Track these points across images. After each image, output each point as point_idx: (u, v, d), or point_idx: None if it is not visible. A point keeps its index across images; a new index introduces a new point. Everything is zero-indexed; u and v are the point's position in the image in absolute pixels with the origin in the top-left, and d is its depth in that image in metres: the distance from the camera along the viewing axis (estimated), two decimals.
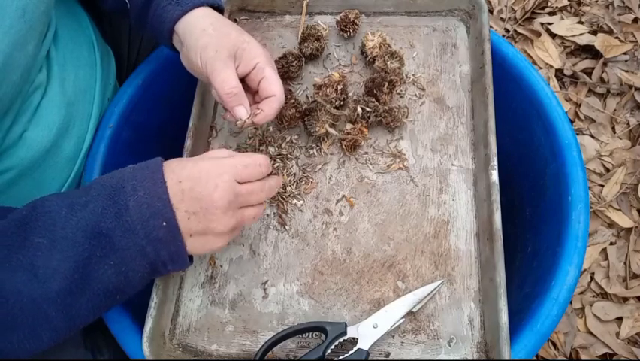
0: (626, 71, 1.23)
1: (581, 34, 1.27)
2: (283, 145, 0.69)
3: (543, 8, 1.34)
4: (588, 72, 1.25)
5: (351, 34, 0.75)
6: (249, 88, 0.62)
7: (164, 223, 0.48)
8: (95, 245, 0.47)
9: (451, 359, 0.56)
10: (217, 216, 0.50)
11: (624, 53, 1.24)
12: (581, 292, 1.03)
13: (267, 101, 0.60)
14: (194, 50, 0.59)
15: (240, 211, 0.53)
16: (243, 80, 0.61)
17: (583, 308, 1.01)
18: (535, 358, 0.97)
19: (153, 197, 0.48)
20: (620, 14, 1.29)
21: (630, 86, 1.21)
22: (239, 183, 0.52)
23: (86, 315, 0.49)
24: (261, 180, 0.54)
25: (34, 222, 0.47)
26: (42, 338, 0.47)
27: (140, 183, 0.48)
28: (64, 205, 0.48)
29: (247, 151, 0.69)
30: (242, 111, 0.59)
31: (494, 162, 0.61)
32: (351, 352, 0.54)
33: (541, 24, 1.31)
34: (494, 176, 0.61)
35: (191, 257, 0.54)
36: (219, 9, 0.65)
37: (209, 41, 0.58)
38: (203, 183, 0.49)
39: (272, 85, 0.60)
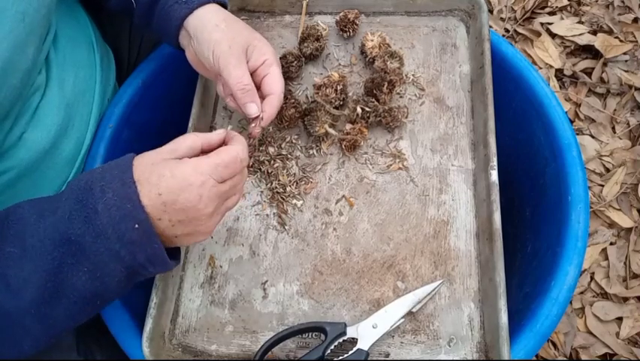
0: (626, 71, 1.23)
1: (581, 34, 1.27)
2: (283, 145, 0.69)
3: (543, 8, 1.34)
4: (588, 72, 1.25)
5: (351, 34, 0.74)
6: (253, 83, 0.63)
7: (137, 225, 0.45)
8: (65, 252, 0.45)
9: (451, 359, 0.56)
10: (204, 220, 0.49)
11: (624, 53, 1.24)
12: (581, 292, 1.03)
13: (267, 101, 0.61)
14: (206, 43, 0.60)
15: (224, 204, 0.52)
16: None
17: (583, 308, 1.01)
18: (535, 358, 0.97)
19: (122, 199, 0.45)
20: (620, 14, 1.29)
21: (630, 86, 1.20)
22: (220, 183, 0.50)
23: (66, 322, 0.47)
24: (241, 172, 0.52)
25: (6, 231, 0.46)
26: (22, 346, 0.46)
27: (108, 184, 0.45)
28: (35, 212, 0.46)
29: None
30: (253, 108, 0.60)
31: (494, 162, 0.61)
32: (350, 352, 0.54)
33: (541, 24, 1.31)
34: (494, 176, 0.61)
35: (177, 256, 0.52)
36: (224, 7, 0.65)
37: (222, 36, 0.59)
38: (186, 195, 0.47)
39: (274, 82, 0.61)
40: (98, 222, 0.45)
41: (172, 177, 0.46)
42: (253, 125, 0.61)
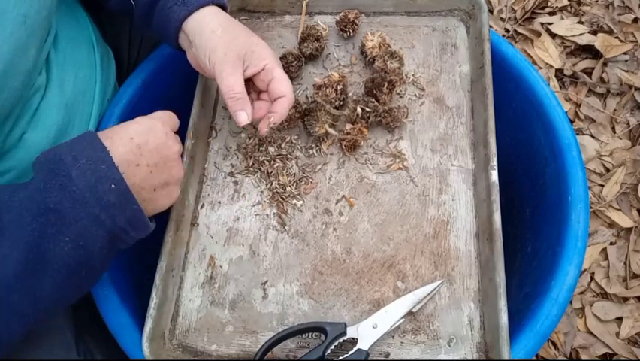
0: (626, 71, 1.23)
1: (581, 34, 1.27)
2: (283, 145, 0.69)
3: (543, 8, 1.34)
4: (588, 72, 1.25)
5: (351, 34, 0.74)
6: (257, 87, 0.64)
7: (113, 185, 0.46)
8: (45, 222, 0.45)
9: (451, 359, 0.56)
10: (176, 162, 0.54)
11: (624, 53, 1.24)
12: (581, 292, 1.03)
13: (277, 102, 0.62)
14: (203, 50, 0.60)
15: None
16: (251, 80, 0.63)
17: (583, 308, 1.01)
18: (535, 358, 0.97)
19: (96, 162, 0.46)
20: (620, 14, 1.29)
21: (630, 86, 1.20)
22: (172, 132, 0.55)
23: (52, 295, 0.47)
24: (179, 141, 0.57)
25: None
26: (11, 326, 0.46)
27: (80, 152, 0.47)
28: (7, 191, 0.47)
29: (247, 151, 0.69)
30: (243, 116, 0.60)
31: (494, 162, 0.61)
32: (350, 352, 0.54)
33: (541, 24, 1.31)
34: (494, 176, 0.61)
35: (153, 221, 0.53)
36: (224, 8, 0.65)
37: (218, 43, 0.60)
38: (154, 134, 0.51)
39: (282, 85, 0.62)
40: (74, 187, 0.45)
41: (137, 124, 0.52)
42: (261, 124, 0.62)
